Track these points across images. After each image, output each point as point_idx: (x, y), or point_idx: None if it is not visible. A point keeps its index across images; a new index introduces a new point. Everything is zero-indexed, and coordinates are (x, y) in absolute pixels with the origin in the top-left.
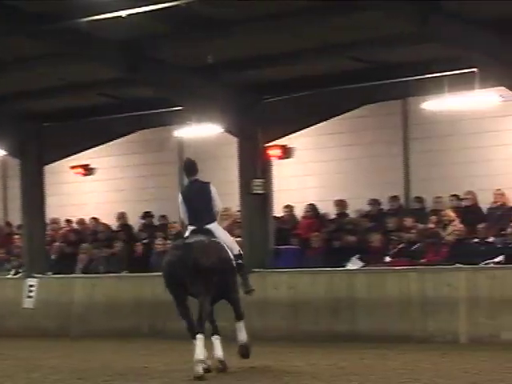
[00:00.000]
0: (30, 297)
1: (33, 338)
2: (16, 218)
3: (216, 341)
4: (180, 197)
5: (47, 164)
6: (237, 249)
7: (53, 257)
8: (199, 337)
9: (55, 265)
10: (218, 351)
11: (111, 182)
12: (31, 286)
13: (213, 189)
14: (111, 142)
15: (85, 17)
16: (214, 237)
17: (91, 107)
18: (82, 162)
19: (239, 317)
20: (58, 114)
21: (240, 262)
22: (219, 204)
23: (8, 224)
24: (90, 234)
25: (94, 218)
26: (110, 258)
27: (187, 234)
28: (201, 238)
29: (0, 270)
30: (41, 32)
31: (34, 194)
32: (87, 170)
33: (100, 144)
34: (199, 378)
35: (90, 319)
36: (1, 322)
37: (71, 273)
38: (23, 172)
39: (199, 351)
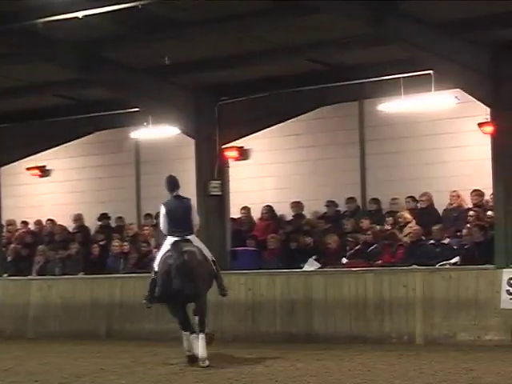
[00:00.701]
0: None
1: None
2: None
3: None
4: (163, 209)
5: (3, 165)
6: (211, 256)
7: (9, 258)
8: (202, 336)
9: (11, 266)
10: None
11: (68, 184)
12: None
13: (193, 204)
14: (68, 144)
15: (41, 17)
16: (194, 246)
17: (48, 108)
18: (39, 164)
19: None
20: (14, 114)
21: (215, 267)
22: (197, 218)
23: None
24: (46, 235)
25: (50, 220)
26: (66, 260)
27: (169, 243)
28: (189, 248)
29: None
30: None
31: None
32: (43, 172)
33: (56, 145)
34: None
35: (46, 321)
36: None
37: (27, 275)
38: None
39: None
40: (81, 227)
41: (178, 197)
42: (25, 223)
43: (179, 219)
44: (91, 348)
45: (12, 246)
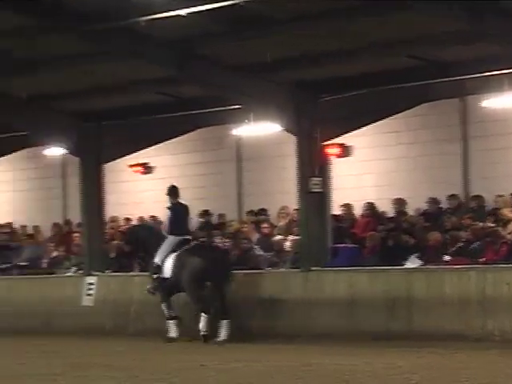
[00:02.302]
0: (89, 295)
1: (90, 336)
2: (75, 216)
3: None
4: (170, 213)
5: (106, 162)
6: None
7: (112, 255)
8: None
9: (114, 263)
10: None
11: (169, 181)
12: (90, 283)
13: (188, 209)
14: (169, 141)
15: (143, 16)
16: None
17: (149, 106)
18: (141, 161)
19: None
20: (116, 112)
21: None
22: (192, 222)
23: (67, 222)
24: None
25: (152, 216)
26: None
27: (175, 241)
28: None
29: (60, 269)
30: (97, 31)
31: (93, 193)
32: (146, 169)
33: (158, 142)
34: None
35: (146, 317)
36: (60, 319)
37: (130, 271)
38: (83, 170)
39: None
40: None
41: (179, 203)
42: (127, 220)
43: (182, 222)
44: (193, 344)
45: (115, 242)
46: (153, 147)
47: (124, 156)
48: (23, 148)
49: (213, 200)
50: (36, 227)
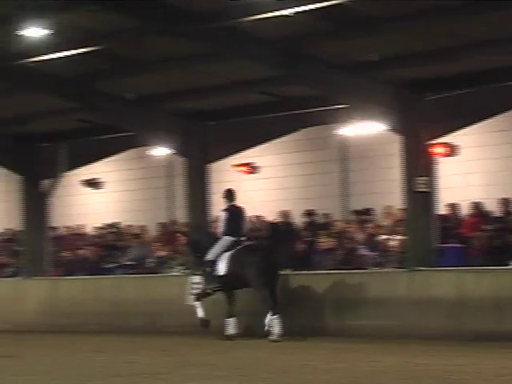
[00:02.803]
0: (193, 294)
1: (195, 335)
2: (181, 216)
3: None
4: (225, 214)
5: (211, 162)
6: None
7: None
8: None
9: None
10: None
11: (274, 180)
12: (195, 283)
13: (246, 212)
14: (274, 141)
15: (248, 16)
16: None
17: (254, 106)
18: (246, 161)
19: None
20: (221, 112)
21: None
22: (247, 224)
23: (173, 222)
24: (253, 231)
25: (257, 216)
26: None
27: (229, 242)
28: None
29: (165, 268)
30: (201, 31)
31: (198, 192)
32: (250, 169)
33: (263, 142)
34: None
35: (251, 316)
36: (166, 318)
37: None
38: (188, 170)
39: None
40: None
41: (235, 206)
42: None
43: (237, 224)
44: (298, 343)
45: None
46: (257, 147)
47: (229, 156)
48: (130, 148)
49: (317, 200)
50: (142, 227)
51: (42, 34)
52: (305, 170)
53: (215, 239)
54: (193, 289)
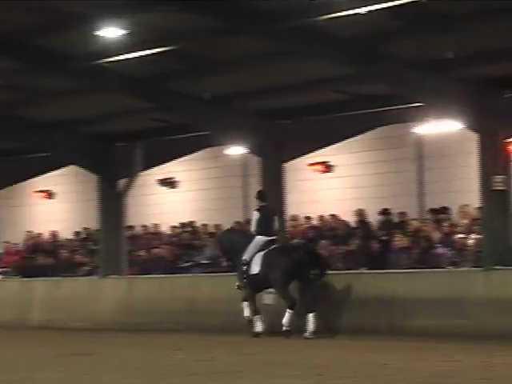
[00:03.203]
0: (269, 293)
1: (271, 334)
2: None
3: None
4: (257, 214)
5: (286, 161)
6: None
7: None
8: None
9: None
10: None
11: (349, 179)
12: None
13: (276, 212)
14: (349, 139)
15: (323, 14)
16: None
17: (329, 104)
18: (321, 159)
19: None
20: (296, 111)
21: None
22: (278, 224)
23: (248, 221)
24: (328, 230)
25: (332, 215)
26: (347, 255)
27: (262, 241)
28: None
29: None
30: (276, 30)
31: (273, 191)
32: (326, 167)
33: (338, 141)
34: None
35: (328, 315)
36: (241, 317)
37: None
38: (263, 169)
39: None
40: (362, 222)
41: (266, 206)
42: (308, 218)
43: (268, 223)
44: (373, 343)
45: (295, 241)
46: (333, 146)
47: (304, 155)
48: (205, 148)
49: (392, 198)
50: (217, 226)
51: (118, 35)
52: (380, 169)
53: (247, 239)
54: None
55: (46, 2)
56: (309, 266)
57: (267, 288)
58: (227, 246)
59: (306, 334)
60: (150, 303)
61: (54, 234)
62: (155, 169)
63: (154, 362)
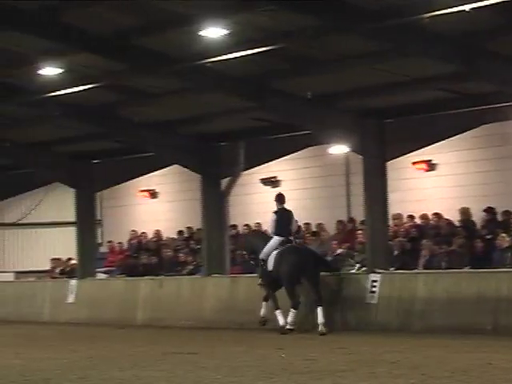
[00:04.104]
0: (372, 292)
1: (373, 333)
2: (359, 214)
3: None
4: (274, 216)
5: (389, 160)
6: None
7: (395, 252)
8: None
9: (397, 260)
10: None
11: (453, 178)
12: (374, 281)
13: (294, 215)
14: (453, 137)
15: (425, 13)
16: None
17: (432, 102)
18: (424, 158)
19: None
20: (399, 109)
21: None
22: (295, 225)
23: (351, 220)
24: (431, 229)
25: (436, 214)
26: (450, 254)
27: (278, 241)
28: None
29: (344, 266)
30: (378, 29)
31: (376, 190)
32: (429, 166)
33: (441, 139)
34: None
35: (431, 315)
36: (344, 316)
37: (413, 268)
38: (366, 168)
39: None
40: (466, 221)
41: (284, 208)
42: (411, 217)
43: (285, 225)
44: (476, 342)
45: (398, 239)
46: (436, 144)
47: (407, 153)
48: (307, 147)
49: (496, 197)
50: (320, 225)
51: (220, 34)
52: (483, 167)
53: (267, 239)
54: (372, 287)
55: (149, 3)
56: (317, 265)
57: (281, 286)
58: (249, 246)
59: (320, 329)
60: (252, 302)
61: (157, 234)
62: (258, 168)
63: (256, 360)
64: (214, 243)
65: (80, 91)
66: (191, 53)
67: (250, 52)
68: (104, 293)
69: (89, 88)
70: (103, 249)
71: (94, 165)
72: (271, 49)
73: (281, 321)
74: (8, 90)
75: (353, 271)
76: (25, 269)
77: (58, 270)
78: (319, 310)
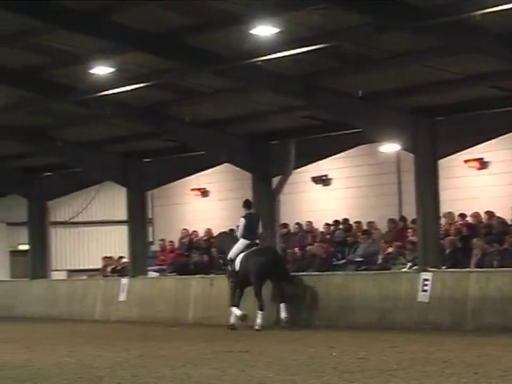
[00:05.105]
0: (424, 291)
1: (426, 332)
2: (410, 212)
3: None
4: (244, 220)
5: (440, 158)
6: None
7: (446, 251)
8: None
9: (449, 259)
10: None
11: (505, 176)
12: (426, 279)
13: (260, 219)
14: (505, 135)
15: (477, 10)
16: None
17: (483, 100)
18: (476, 156)
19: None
20: (451, 107)
21: None
22: (260, 229)
23: (402, 218)
24: (483, 227)
25: (487, 212)
26: (503, 253)
27: (245, 244)
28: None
29: (395, 265)
30: (431, 26)
31: (428, 189)
32: (481, 164)
33: (493, 137)
34: None
35: (484, 314)
36: (395, 315)
37: (466, 267)
38: (417, 166)
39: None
40: None
41: (252, 213)
42: (462, 216)
43: (253, 229)
44: None
45: (449, 238)
46: (488, 142)
47: (459, 151)
48: (358, 145)
49: None
50: (371, 223)
51: (271, 33)
52: None
53: (236, 241)
54: (424, 285)
55: (202, 2)
56: (280, 266)
57: (248, 285)
58: (219, 247)
59: (282, 324)
60: (302, 300)
61: (208, 232)
62: (308, 166)
63: (308, 359)
64: (265, 242)
65: (131, 90)
66: (242, 51)
67: (300, 50)
68: (155, 291)
69: (140, 87)
70: (154, 247)
71: (145, 163)
72: (322, 47)
73: (232, 319)
74: (60, 89)
75: (404, 270)
76: (77, 267)
77: (109, 269)
78: (282, 306)
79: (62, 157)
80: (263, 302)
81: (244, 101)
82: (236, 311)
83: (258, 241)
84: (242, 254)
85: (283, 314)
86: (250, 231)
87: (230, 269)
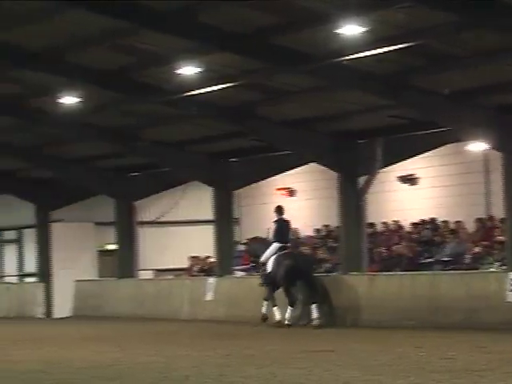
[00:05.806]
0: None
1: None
2: (498, 212)
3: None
4: (275, 225)
5: None
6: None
7: None
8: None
9: None
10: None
11: None
12: None
13: (291, 224)
14: None
15: None
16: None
17: None
18: None
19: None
20: None
21: None
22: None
23: (490, 218)
24: None
25: None
26: None
27: (277, 247)
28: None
29: (483, 264)
30: None
31: None
32: None
33: None
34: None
35: None
36: (484, 315)
37: None
38: (505, 165)
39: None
40: None
41: (283, 219)
42: None
43: (284, 233)
44: None
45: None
46: None
47: None
48: (445, 144)
49: None
50: (458, 222)
51: (357, 32)
52: None
53: (268, 245)
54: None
55: (288, 2)
56: (306, 269)
57: (280, 286)
58: (252, 251)
59: (314, 322)
60: (390, 300)
61: (294, 231)
62: (395, 166)
63: (394, 359)
64: (352, 241)
65: (218, 90)
66: (328, 51)
67: (386, 49)
68: (242, 290)
69: (227, 87)
70: (241, 247)
71: (232, 163)
72: (408, 46)
73: (277, 316)
74: (147, 89)
75: (492, 269)
76: (163, 267)
77: (196, 268)
78: (314, 307)
79: (149, 157)
80: (293, 299)
81: (330, 100)
82: (276, 311)
83: (288, 244)
84: (274, 257)
85: (314, 315)
86: (281, 235)
87: (262, 271)
